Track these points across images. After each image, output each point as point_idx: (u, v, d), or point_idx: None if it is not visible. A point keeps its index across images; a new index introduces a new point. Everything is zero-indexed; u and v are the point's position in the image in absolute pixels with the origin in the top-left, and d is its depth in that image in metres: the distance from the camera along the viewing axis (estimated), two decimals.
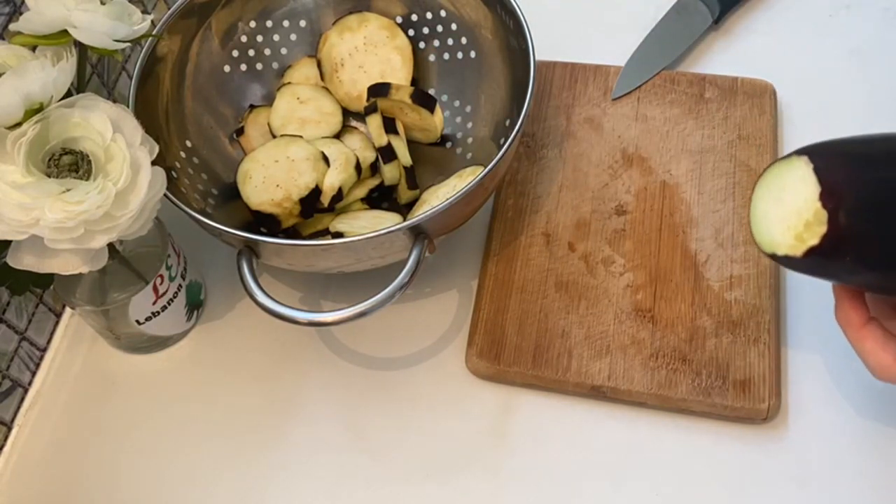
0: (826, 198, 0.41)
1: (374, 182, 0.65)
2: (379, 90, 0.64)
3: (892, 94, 0.70)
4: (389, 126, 0.64)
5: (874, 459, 0.55)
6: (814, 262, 0.43)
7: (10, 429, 0.60)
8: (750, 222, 0.46)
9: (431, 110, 0.64)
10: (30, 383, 0.62)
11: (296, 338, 0.63)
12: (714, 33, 0.76)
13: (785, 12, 0.77)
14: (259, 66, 0.69)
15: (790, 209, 0.43)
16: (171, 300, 0.60)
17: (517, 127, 0.55)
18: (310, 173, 0.62)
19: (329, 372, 0.61)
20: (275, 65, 0.69)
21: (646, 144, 0.68)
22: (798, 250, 0.43)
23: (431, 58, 0.68)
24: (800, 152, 0.44)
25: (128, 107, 0.54)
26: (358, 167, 0.64)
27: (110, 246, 0.51)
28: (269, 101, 0.68)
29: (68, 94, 0.48)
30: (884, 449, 0.55)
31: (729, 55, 0.74)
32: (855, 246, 0.42)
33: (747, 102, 0.69)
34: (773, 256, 0.45)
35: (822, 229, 0.41)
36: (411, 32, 0.68)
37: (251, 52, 0.68)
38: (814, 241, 0.42)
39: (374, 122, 0.64)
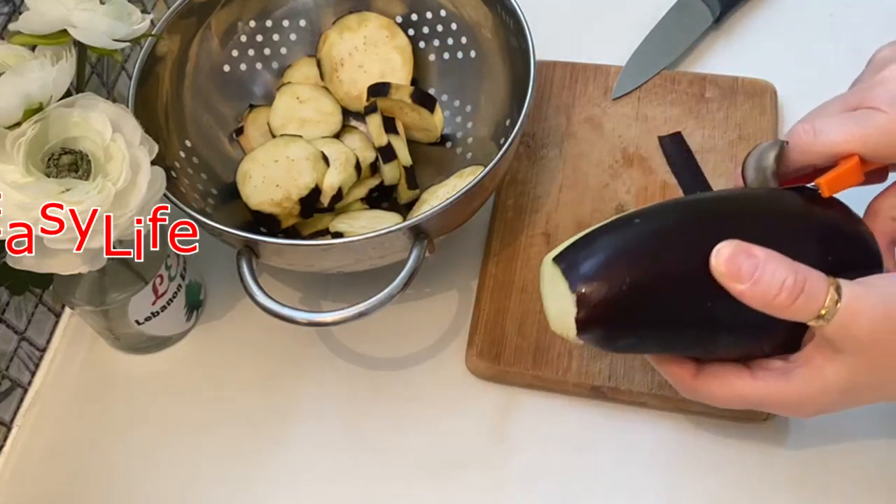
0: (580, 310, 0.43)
1: (374, 182, 0.65)
2: (379, 90, 0.64)
3: None
4: (389, 126, 0.64)
5: (874, 459, 0.54)
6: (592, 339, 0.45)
7: (9, 429, 0.60)
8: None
9: (431, 110, 0.64)
10: (29, 383, 0.62)
11: (296, 338, 0.63)
12: (714, 33, 0.76)
13: (785, 12, 0.77)
14: (259, 66, 0.69)
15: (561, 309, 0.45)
16: (171, 300, 0.60)
17: (517, 127, 0.55)
18: (309, 173, 0.62)
19: (329, 372, 0.61)
20: (275, 64, 0.69)
21: (646, 144, 0.68)
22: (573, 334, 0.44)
23: (431, 57, 0.68)
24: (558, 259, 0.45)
25: (127, 106, 0.54)
26: (358, 167, 0.64)
27: None
28: (269, 100, 0.68)
29: (68, 94, 0.48)
30: (884, 448, 0.55)
31: (729, 55, 0.74)
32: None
33: (748, 102, 0.69)
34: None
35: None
36: (411, 32, 0.68)
37: (251, 52, 0.68)
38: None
39: (374, 121, 0.64)
